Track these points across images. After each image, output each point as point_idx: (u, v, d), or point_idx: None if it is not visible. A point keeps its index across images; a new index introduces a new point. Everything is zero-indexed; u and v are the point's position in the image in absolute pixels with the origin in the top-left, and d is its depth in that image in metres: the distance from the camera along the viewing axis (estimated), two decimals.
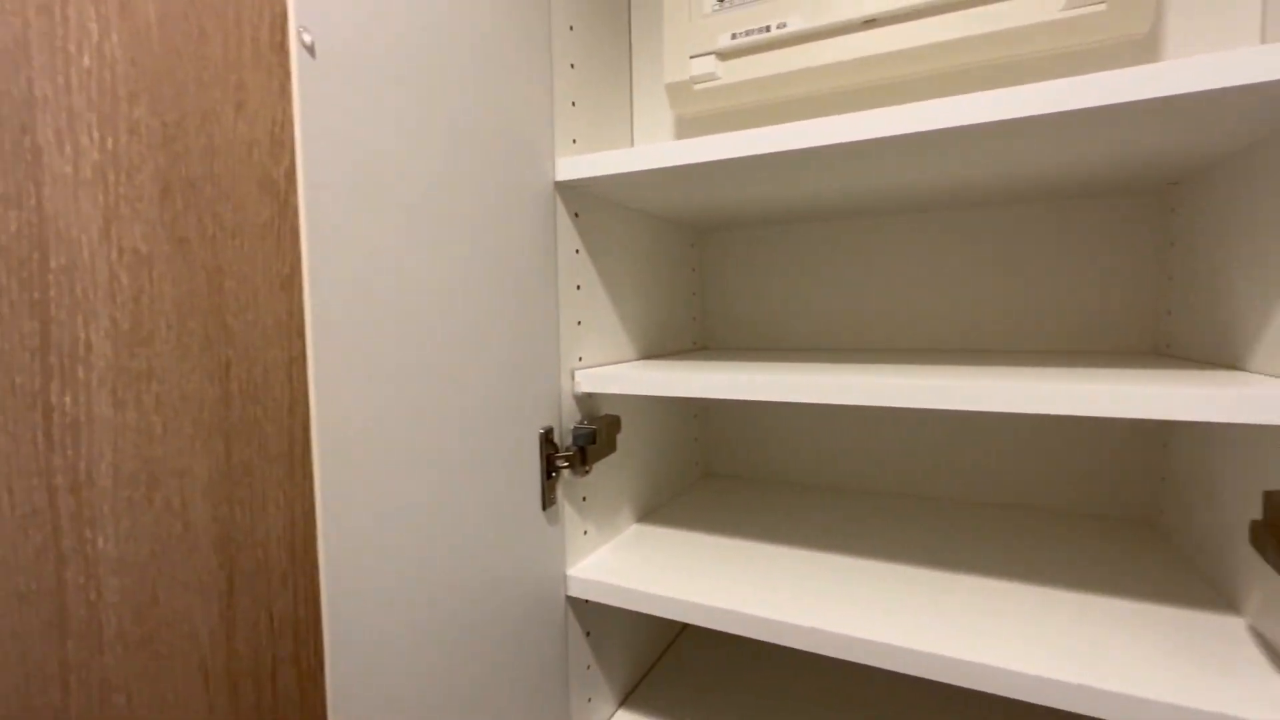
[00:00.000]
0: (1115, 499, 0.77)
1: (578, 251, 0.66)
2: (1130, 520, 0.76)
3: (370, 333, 0.42)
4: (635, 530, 0.77)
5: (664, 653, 0.87)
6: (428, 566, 0.47)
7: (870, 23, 0.57)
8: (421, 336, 0.46)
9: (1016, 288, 0.80)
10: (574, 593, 0.64)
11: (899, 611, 0.54)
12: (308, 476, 0.42)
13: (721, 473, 1.02)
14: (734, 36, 0.62)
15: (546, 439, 0.60)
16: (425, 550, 0.47)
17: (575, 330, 0.66)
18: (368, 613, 0.42)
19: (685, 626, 0.95)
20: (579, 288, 0.66)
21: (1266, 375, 0.48)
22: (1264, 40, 0.59)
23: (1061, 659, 0.46)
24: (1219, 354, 0.58)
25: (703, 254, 0.99)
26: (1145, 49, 0.64)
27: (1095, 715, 0.43)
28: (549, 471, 0.60)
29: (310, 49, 0.34)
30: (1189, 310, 0.66)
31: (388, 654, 0.44)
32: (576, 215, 0.66)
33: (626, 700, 0.77)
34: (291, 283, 0.41)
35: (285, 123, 0.40)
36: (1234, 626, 0.51)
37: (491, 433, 0.53)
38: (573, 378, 0.65)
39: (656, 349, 0.85)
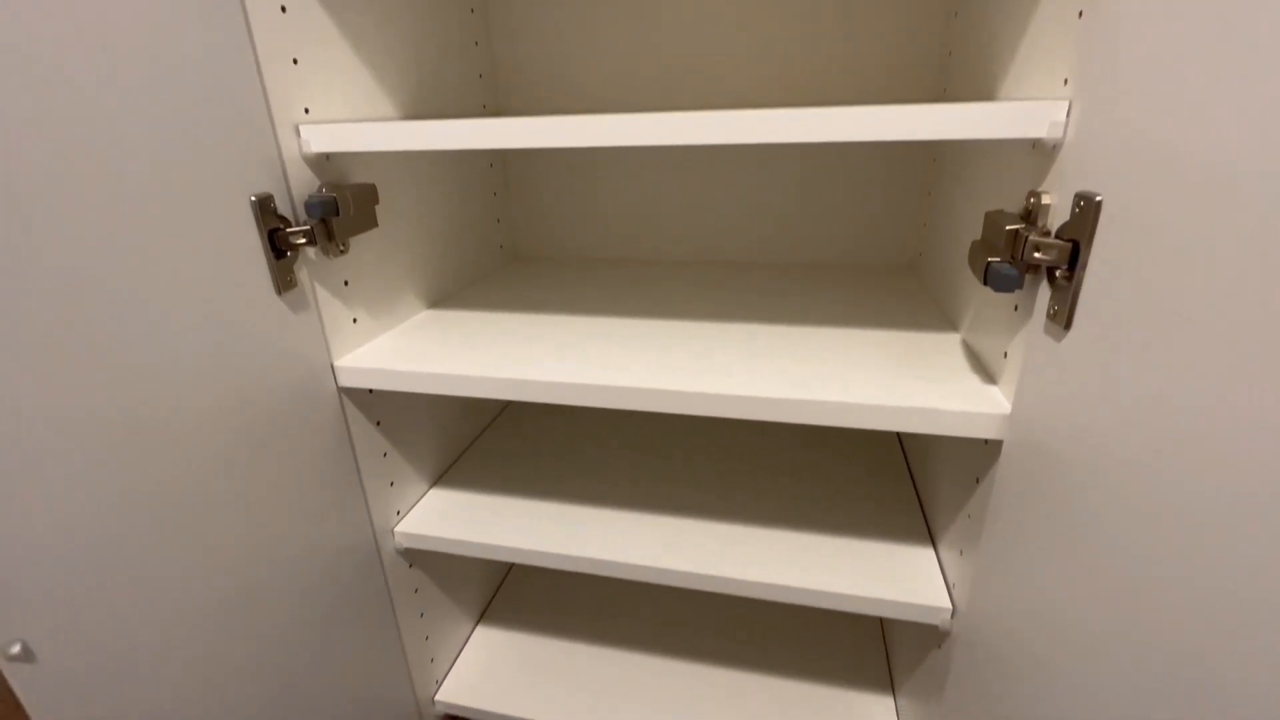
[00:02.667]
0: (885, 248, 0.83)
1: None
2: (896, 267, 0.83)
3: None
4: (425, 316, 0.71)
5: (485, 428, 0.88)
6: (139, 370, 0.38)
7: None
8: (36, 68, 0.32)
9: (819, 27, 0.75)
10: (347, 383, 0.59)
11: (685, 363, 0.56)
12: None
13: (530, 255, 0.96)
14: None
15: (265, 209, 0.49)
16: (98, 363, 0.37)
17: (290, 71, 0.51)
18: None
19: (508, 402, 0.96)
20: (284, 10, 0.50)
21: (1010, 99, 0.49)
22: None
23: (805, 383, 0.50)
24: (981, 89, 0.58)
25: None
26: None
27: (822, 423, 0.48)
28: (280, 250, 0.50)
29: None
30: (962, 51, 0.65)
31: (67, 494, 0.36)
32: None
33: (441, 478, 0.78)
34: None
35: None
36: (950, 342, 0.58)
37: (170, 202, 0.41)
38: (297, 134, 0.52)
39: (427, 108, 0.72)
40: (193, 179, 0.43)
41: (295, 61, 0.52)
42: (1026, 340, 0.43)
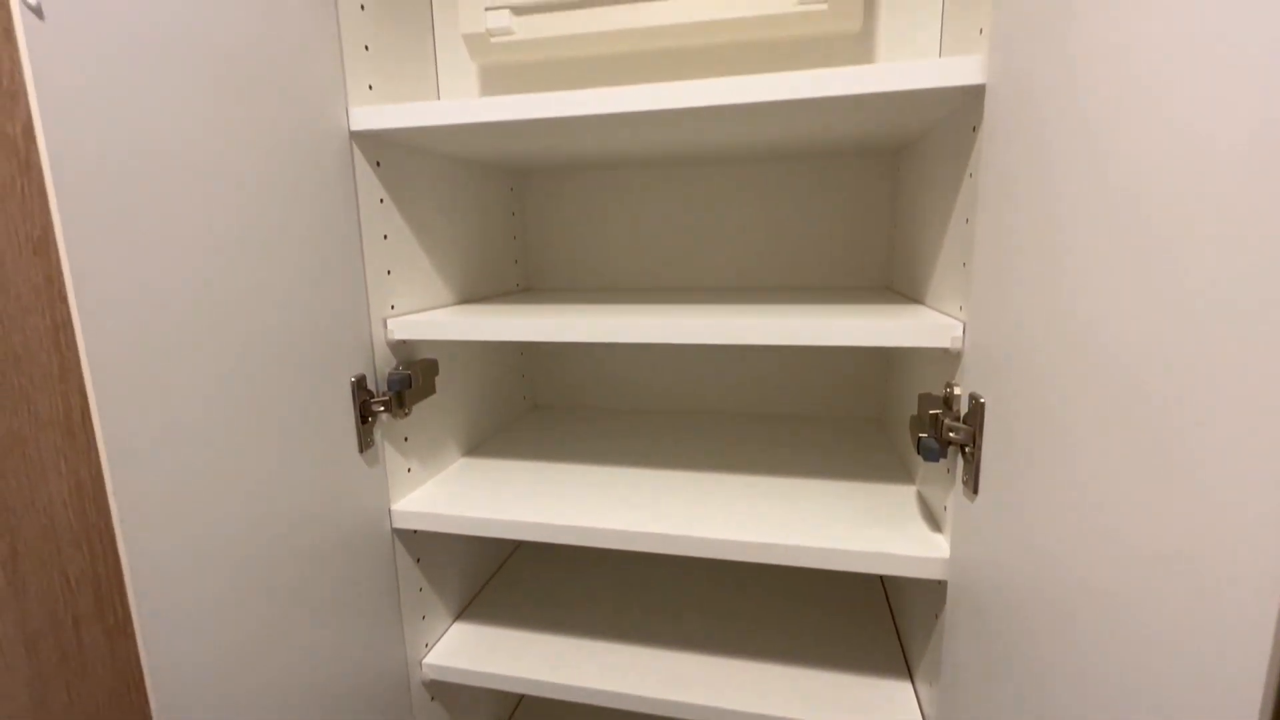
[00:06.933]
0: (854, 406, 0.97)
1: (382, 201, 0.67)
2: (864, 421, 0.96)
3: (145, 293, 0.42)
4: (462, 464, 0.83)
5: (499, 569, 0.96)
6: (236, 515, 0.49)
7: None
8: (204, 296, 0.46)
9: (789, 232, 0.94)
10: (399, 525, 0.69)
11: (682, 509, 0.67)
12: (90, 441, 0.42)
13: (547, 404, 1.10)
14: None
15: (359, 386, 0.62)
16: (232, 500, 0.49)
17: (385, 280, 0.67)
18: (173, 561, 0.45)
19: (519, 544, 1.04)
20: (386, 237, 0.68)
21: (931, 309, 0.65)
22: (941, 54, 0.75)
23: (774, 528, 0.61)
24: (916, 291, 0.75)
25: (523, 198, 1.02)
26: (863, 41, 0.77)
27: (794, 565, 0.58)
28: (364, 417, 0.63)
29: (37, 10, 0.33)
30: (902, 255, 0.83)
31: (200, 596, 0.47)
32: (378, 165, 0.66)
33: (463, 613, 0.85)
34: (45, 246, 0.39)
35: (15, 73, 0.37)
36: (907, 493, 0.70)
37: (297, 385, 0.55)
38: (385, 326, 0.67)
39: (477, 292, 0.89)
40: (314, 368, 0.57)
41: (389, 272, 0.68)
42: (954, 499, 0.55)
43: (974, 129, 0.53)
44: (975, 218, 0.51)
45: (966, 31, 0.59)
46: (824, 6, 0.59)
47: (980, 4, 0.54)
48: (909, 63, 0.48)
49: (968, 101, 0.53)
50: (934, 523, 0.62)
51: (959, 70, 0.48)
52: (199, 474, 0.46)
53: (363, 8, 0.64)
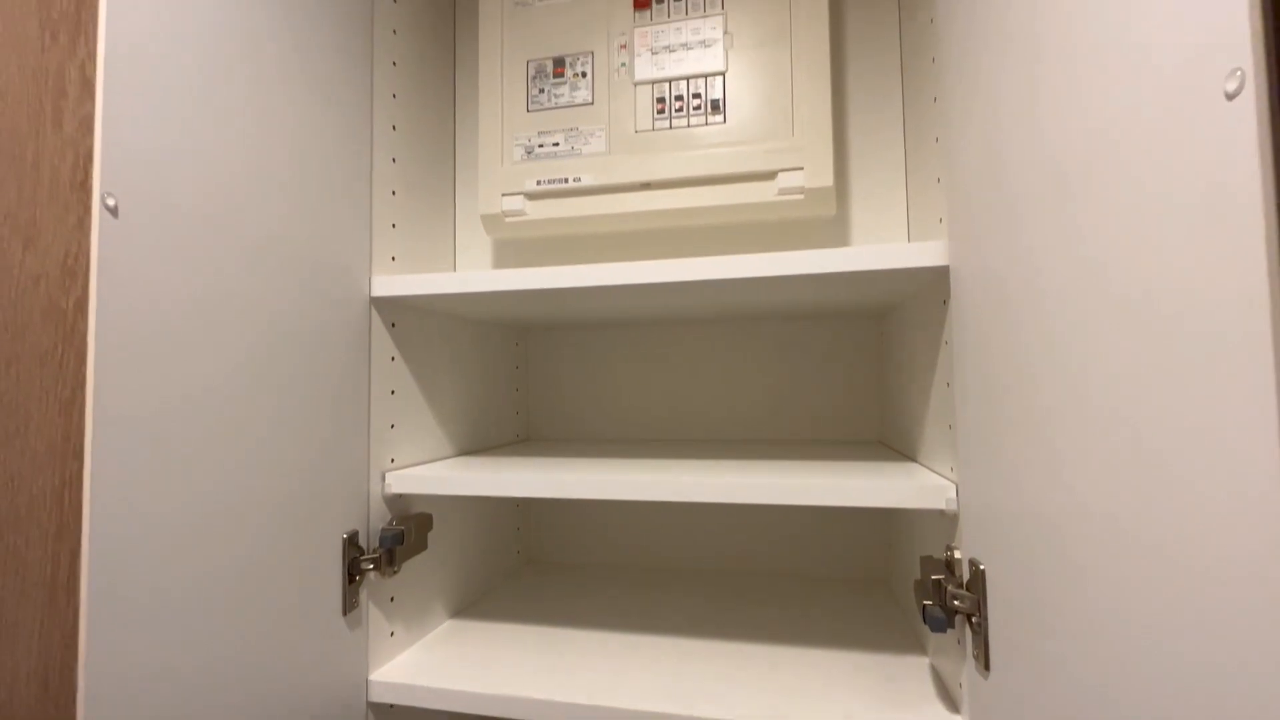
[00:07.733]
0: (859, 565, 0.94)
1: (393, 359, 0.71)
2: (870, 581, 0.92)
3: (158, 451, 0.44)
4: (449, 626, 0.78)
5: None
6: (207, 696, 0.46)
7: (646, 186, 0.72)
8: (214, 452, 0.48)
9: (783, 387, 0.97)
10: (376, 698, 0.64)
11: (675, 683, 0.62)
12: (72, 603, 0.41)
13: (542, 559, 1.06)
14: (539, 183, 0.74)
15: (350, 543, 0.61)
16: (206, 678, 0.46)
17: (388, 434, 0.69)
18: None
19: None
20: (393, 393, 0.70)
21: (925, 467, 0.66)
22: (910, 236, 0.84)
23: (784, 708, 0.57)
24: (908, 447, 0.76)
25: (527, 351, 1.07)
26: (838, 223, 0.86)
27: None
28: (352, 576, 0.61)
29: (113, 211, 0.38)
30: (892, 411, 0.85)
31: None
32: (393, 325, 0.71)
33: None
34: (71, 406, 0.41)
35: (80, 256, 0.42)
36: (919, 665, 0.65)
37: (287, 542, 0.54)
38: (383, 480, 0.68)
39: (477, 443, 0.90)
40: (307, 524, 0.57)
41: (392, 426, 0.70)
42: (968, 676, 0.52)
43: (944, 302, 0.57)
44: (954, 383, 0.54)
45: (929, 218, 0.66)
46: (801, 197, 0.67)
47: (938, 196, 0.62)
48: (881, 246, 0.54)
49: (935, 279, 0.58)
50: (950, 702, 0.58)
51: (924, 253, 0.53)
52: (176, 646, 0.44)
53: (394, 193, 0.73)
